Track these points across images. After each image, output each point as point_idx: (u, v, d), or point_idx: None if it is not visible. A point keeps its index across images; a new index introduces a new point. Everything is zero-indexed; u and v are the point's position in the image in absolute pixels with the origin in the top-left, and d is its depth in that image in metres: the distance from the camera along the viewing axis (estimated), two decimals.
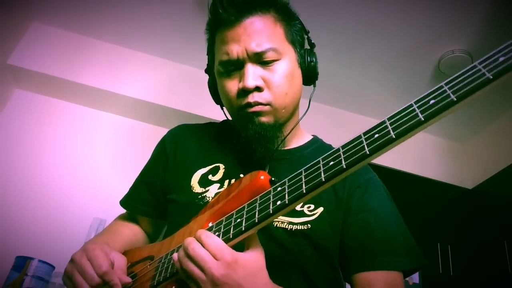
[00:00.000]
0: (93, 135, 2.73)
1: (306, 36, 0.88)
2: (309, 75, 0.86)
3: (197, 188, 0.83)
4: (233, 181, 0.81)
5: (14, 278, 1.91)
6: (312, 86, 0.89)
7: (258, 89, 0.78)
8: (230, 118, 0.91)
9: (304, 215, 0.76)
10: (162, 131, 3.10)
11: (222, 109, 0.92)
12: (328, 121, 2.91)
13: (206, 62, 0.93)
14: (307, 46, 0.90)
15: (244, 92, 0.78)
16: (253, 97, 0.77)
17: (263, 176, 0.65)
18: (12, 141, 2.58)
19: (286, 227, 0.76)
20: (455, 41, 2.39)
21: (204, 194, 0.81)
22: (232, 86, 0.80)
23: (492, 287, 2.47)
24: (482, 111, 2.82)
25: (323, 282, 0.77)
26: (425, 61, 2.55)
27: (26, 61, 2.57)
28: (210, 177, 0.84)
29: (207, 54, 0.91)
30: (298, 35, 0.86)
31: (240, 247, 0.63)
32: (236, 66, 0.80)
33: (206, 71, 0.93)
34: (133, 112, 2.81)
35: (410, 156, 2.85)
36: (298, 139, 0.90)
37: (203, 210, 0.75)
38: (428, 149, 3.02)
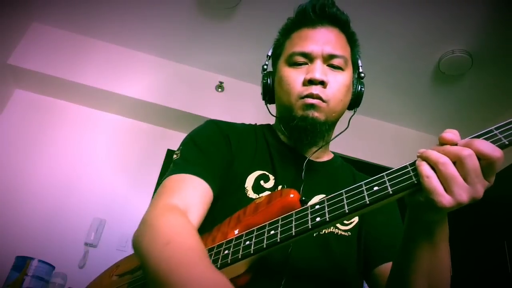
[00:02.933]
0: (93, 135, 2.74)
1: (360, 66, 0.96)
2: (357, 100, 0.93)
3: (251, 193, 0.81)
4: (280, 188, 0.83)
5: (14, 278, 1.91)
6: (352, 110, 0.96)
7: (322, 83, 0.83)
8: (272, 114, 0.95)
9: (344, 224, 0.84)
10: (162, 131, 3.13)
11: (266, 105, 0.96)
12: None
13: (266, 58, 0.97)
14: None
15: (310, 82, 0.83)
16: (316, 89, 0.82)
17: (293, 195, 0.69)
18: (12, 141, 2.58)
19: (333, 231, 0.82)
20: (455, 41, 2.39)
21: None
22: (298, 76, 0.85)
23: (492, 287, 2.47)
24: (482, 111, 2.82)
25: (352, 284, 0.82)
26: (425, 61, 2.55)
27: (26, 61, 2.58)
28: (262, 183, 0.83)
29: (274, 50, 0.96)
30: (357, 62, 0.95)
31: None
32: (306, 59, 0.86)
33: (264, 68, 0.96)
34: (133, 112, 2.81)
35: (410, 156, 2.85)
36: (328, 155, 0.96)
37: (227, 219, 0.74)
38: None
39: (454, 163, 0.52)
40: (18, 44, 2.60)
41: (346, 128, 0.93)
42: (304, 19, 0.90)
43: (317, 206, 0.62)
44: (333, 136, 0.93)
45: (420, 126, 3.08)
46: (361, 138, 2.96)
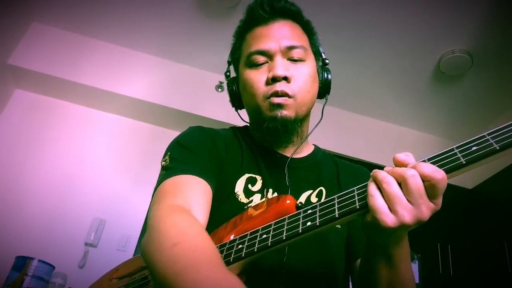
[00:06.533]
0: (93, 135, 2.74)
1: (322, 53, 0.93)
2: (325, 88, 0.91)
3: (242, 198, 0.80)
4: (270, 191, 0.82)
5: (14, 278, 1.91)
6: (324, 99, 0.93)
7: (286, 79, 0.80)
8: (245, 120, 0.94)
9: None
10: (162, 131, 3.12)
11: (237, 111, 0.94)
12: (328, 121, 2.90)
13: (227, 67, 0.96)
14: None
15: (273, 80, 0.80)
16: (280, 86, 0.80)
17: (289, 200, 0.69)
18: (12, 141, 2.58)
19: None
20: (455, 41, 2.39)
21: (250, 205, 0.79)
22: (260, 76, 0.83)
23: (492, 287, 2.47)
24: (482, 111, 2.82)
25: (344, 277, 0.83)
26: (425, 61, 2.55)
27: (26, 61, 2.58)
28: (249, 186, 0.82)
29: (232, 55, 0.94)
30: (318, 50, 0.92)
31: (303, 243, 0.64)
32: (266, 58, 0.83)
33: (227, 75, 0.95)
34: (133, 112, 2.81)
35: None
36: (308, 148, 0.94)
37: (224, 225, 0.75)
38: (428, 150, 3.02)
39: (400, 183, 0.53)
40: (18, 44, 2.61)
41: (320, 120, 0.91)
42: (255, 19, 0.88)
43: (309, 211, 0.62)
44: (309, 130, 0.91)
45: (420, 126, 3.08)
46: (361, 138, 2.96)
